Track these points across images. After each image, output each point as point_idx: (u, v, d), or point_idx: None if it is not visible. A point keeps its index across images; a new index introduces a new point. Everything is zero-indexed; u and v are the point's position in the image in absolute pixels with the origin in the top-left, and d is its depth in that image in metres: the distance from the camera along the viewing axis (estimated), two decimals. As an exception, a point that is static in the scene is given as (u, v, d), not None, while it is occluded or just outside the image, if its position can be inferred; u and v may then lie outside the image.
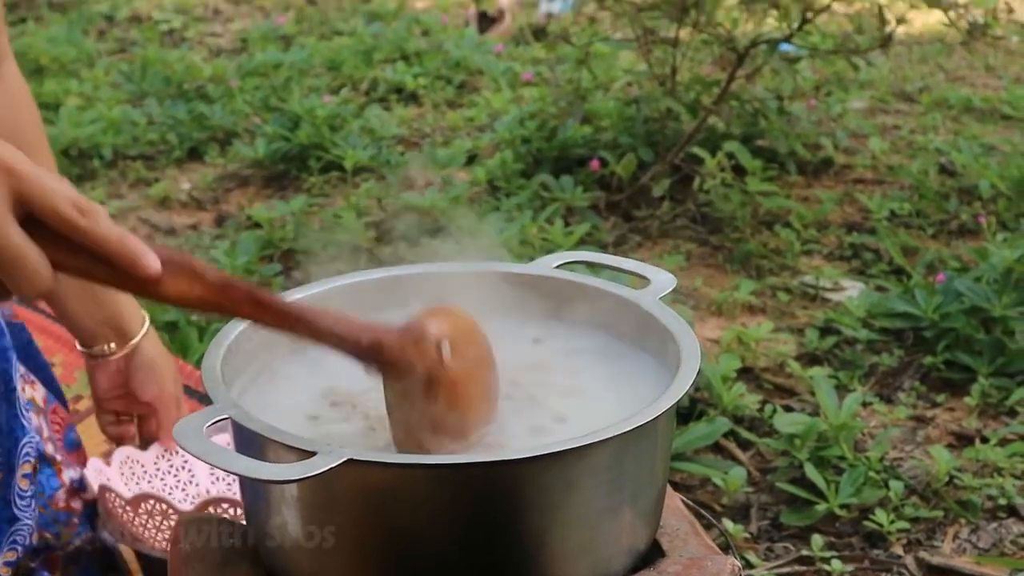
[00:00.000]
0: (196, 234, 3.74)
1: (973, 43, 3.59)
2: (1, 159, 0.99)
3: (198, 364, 2.69)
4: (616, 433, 1.15)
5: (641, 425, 1.16)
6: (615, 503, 1.20)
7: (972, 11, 3.36)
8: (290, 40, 6.09)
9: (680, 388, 1.23)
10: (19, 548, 1.53)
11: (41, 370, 1.76)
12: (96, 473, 1.74)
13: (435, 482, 1.13)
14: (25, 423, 1.55)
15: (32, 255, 1.00)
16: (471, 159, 4.18)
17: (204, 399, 2.61)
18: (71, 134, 4.43)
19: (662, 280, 1.47)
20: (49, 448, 1.64)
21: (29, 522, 1.55)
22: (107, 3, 7.17)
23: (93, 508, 1.71)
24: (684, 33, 3.72)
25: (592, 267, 1.58)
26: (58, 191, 1.01)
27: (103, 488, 1.70)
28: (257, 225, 3.69)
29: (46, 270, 1.01)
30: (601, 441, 1.14)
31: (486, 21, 6.36)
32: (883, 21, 3.40)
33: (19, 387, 1.55)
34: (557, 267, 1.52)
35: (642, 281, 1.48)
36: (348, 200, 3.76)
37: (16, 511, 1.53)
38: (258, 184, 4.20)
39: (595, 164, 3.77)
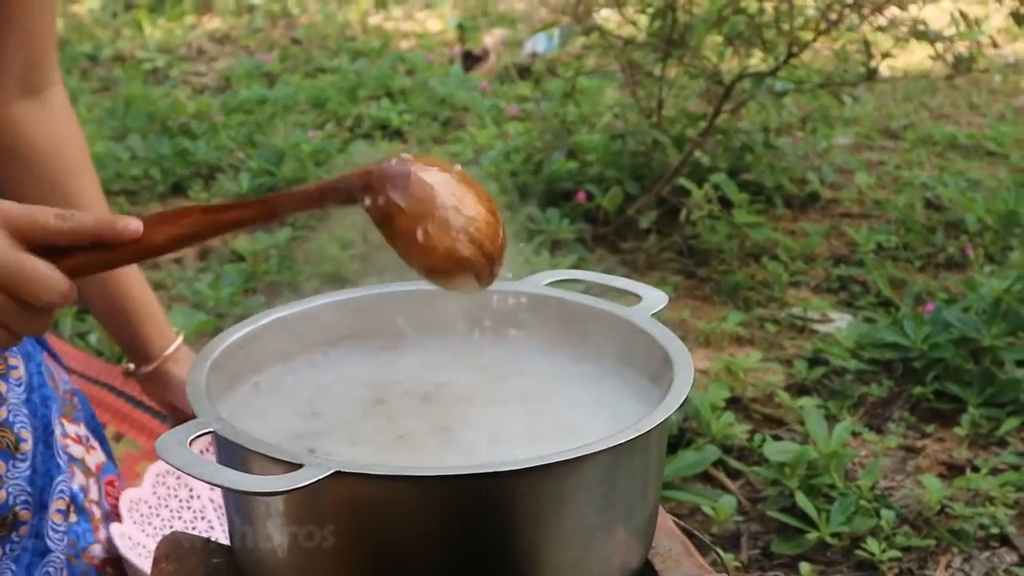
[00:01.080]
0: (180, 268, 3.71)
1: (958, 77, 3.60)
2: None
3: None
4: (610, 446, 1.12)
5: (635, 438, 1.14)
6: (608, 519, 1.17)
7: (957, 45, 3.36)
8: (274, 78, 6.08)
9: (674, 401, 1.20)
10: None
11: (103, 441, 1.80)
12: (120, 538, 1.73)
13: (425, 494, 1.10)
14: (61, 463, 1.57)
15: (39, 265, 1.08)
16: (456, 194, 4.16)
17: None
18: (54, 168, 4.39)
19: (653, 297, 1.46)
20: (92, 507, 1.65)
21: (60, 556, 1.56)
22: (90, 43, 7.16)
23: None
24: (670, 67, 3.72)
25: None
26: (41, 210, 1.10)
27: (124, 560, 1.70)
28: (241, 259, 3.66)
29: (57, 275, 1.08)
30: (594, 453, 1.12)
31: (471, 60, 6.37)
32: (869, 55, 3.39)
33: (58, 432, 1.57)
34: (547, 285, 1.50)
35: (633, 299, 1.46)
36: (332, 232, 3.74)
37: (49, 543, 1.54)
38: (241, 219, 4.16)
39: (581, 197, 3.75)
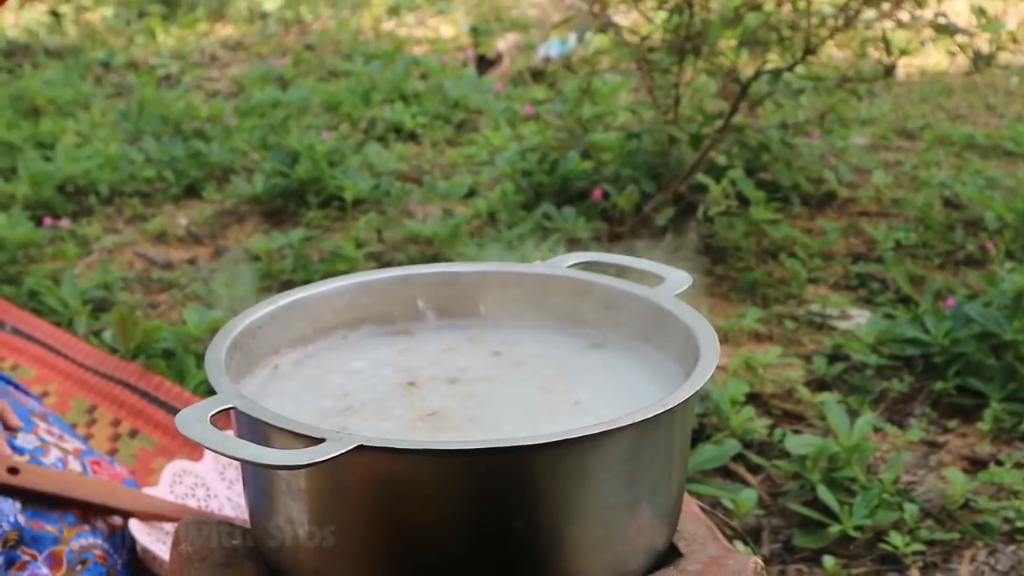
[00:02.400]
0: (193, 268, 3.70)
1: (977, 75, 3.57)
2: None
3: (195, 391, 2.67)
4: (635, 421, 1.11)
5: (661, 413, 1.12)
6: (633, 497, 1.15)
7: (977, 40, 3.33)
8: (287, 82, 6.08)
9: (700, 378, 1.19)
10: None
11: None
12: (139, 532, 1.72)
13: (449, 469, 1.08)
14: None
15: None
16: (470, 193, 4.16)
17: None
18: (67, 170, 4.39)
19: (677, 278, 1.45)
20: None
21: None
22: (103, 50, 7.17)
23: None
24: (687, 65, 3.71)
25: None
26: None
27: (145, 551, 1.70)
28: (256, 258, 3.65)
29: None
30: (620, 428, 1.10)
31: (484, 64, 6.35)
32: (888, 51, 3.37)
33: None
34: (569, 267, 1.49)
35: (656, 281, 1.45)
36: (348, 232, 3.73)
37: None
38: (256, 219, 4.16)
39: (597, 194, 3.74)
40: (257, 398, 1.21)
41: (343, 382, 1.30)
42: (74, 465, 1.71)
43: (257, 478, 1.19)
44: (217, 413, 1.11)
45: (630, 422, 1.11)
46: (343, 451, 1.03)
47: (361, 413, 1.25)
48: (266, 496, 1.17)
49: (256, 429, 1.11)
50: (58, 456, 1.69)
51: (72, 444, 1.74)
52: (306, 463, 1.03)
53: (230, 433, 1.19)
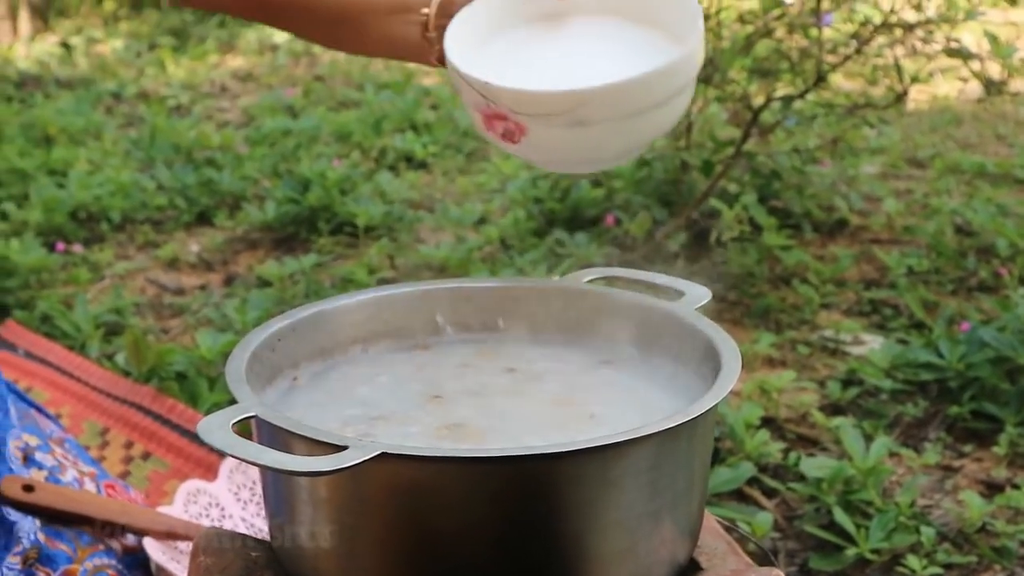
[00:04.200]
0: (205, 294, 3.70)
1: (987, 103, 3.57)
2: None
3: (208, 413, 2.67)
4: (658, 429, 1.10)
5: (683, 423, 1.12)
6: (655, 508, 1.15)
7: (989, 66, 3.33)
8: (298, 112, 6.10)
9: (723, 389, 1.19)
10: None
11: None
12: (154, 551, 1.72)
13: (473, 477, 1.08)
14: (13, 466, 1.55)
15: None
16: (482, 220, 4.16)
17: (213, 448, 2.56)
18: (79, 197, 4.41)
19: (696, 292, 1.44)
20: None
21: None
22: (114, 81, 7.20)
23: None
24: (699, 92, 3.71)
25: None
26: None
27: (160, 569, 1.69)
28: (267, 284, 3.65)
29: None
30: (643, 437, 1.10)
31: (495, 94, 6.36)
32: (900, 78, 3.37)
33: (11, 444, 1.56)
34: (588, 282, 1.49)
35: (676, 295, 1.44)
36: (359, 258, 3.73)
37: None
38: (267, 246, 4.16)
39: (609, 220, 3.74)
40: (277, 408, 1.21)
41: (367, 394, 1.30)
42: (89, 486, 1.71)
43: (277, 487, 1.18)
44: (239, 421, 1.11)
45: (654, 431, 1.10)
46: (366, 458, 1.03)
47: (383, 423, 1.25)
48: (287, 505, 1.17)
49: (277, 437, 1.11)
50: (74, 476, 1.69)
51: (88, 468, 1.73)
52: (329, 470, 1.02)
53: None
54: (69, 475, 1.69)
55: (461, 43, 1.35)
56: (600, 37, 1.40)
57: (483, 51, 1.38)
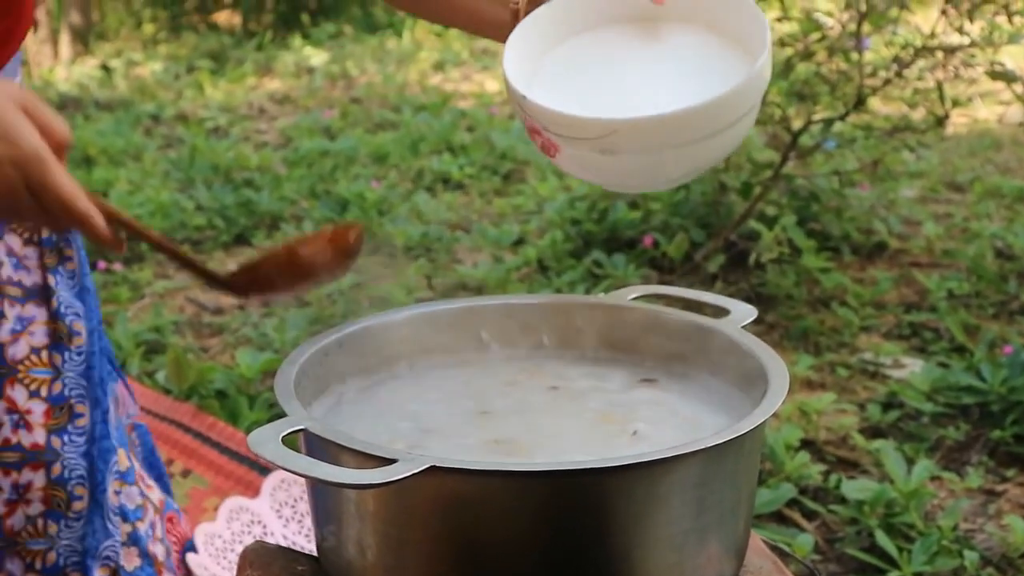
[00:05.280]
0: (244, 313, 3.71)
1: (1027, 128, 3.55)
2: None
3: (248, 432, 2.67)
4: (706, 446, 1.10)
5: (731, 440, 1.11)
6: (702, 525, 1.14)
7: (1029, 91, 3.32)
8: (335, 134, 6.13)
9: (771, 405, 1.18)
10: None
11: (159, 477, 1.74)
12: (196, 567, 1.72)
13: (521, 491, 1.08)
14: (110, 527, 1.53)
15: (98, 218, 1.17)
16: (519, 241, 4.17)
17: (254, 465, 2.57)
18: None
19: (742, 310, 1.44)
20: (156, 549, 1.61)
21: None
22: (153, 103, 7.25)
23: None
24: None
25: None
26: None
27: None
28: (306, 304, 3.67)
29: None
30: (692, 453, 1.09)
31: (531, 117, 6.37)
32: (941, 100, 3.36)
33: (110, 491, 1.53)
34: (633, 299, 1.48)
35: (722, 313, 1.44)
36: (398, 279, 3.74)
37: None
38: (307, 267, 4.17)
39: (648, 241, 3.74)
40: (326, 422, 1.21)
41: (416, 409, 1.30)
42: (158, 531, 1.65)
43: (325, 500, 1.19)
44: (288, 434, 1.11)
45: (701, 447, 1.10)
46: (416, 471, 1.03)
47: (432, 438, 1.25)
48: (334, 518, 1.17)
49: (327, 450, 1.11)
50: (150, 521, 1.63)
51: (157, 495, 1.69)
52: (380, 482, 1.02)
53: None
54: (147, 520, 1.63)
55: (525, 45, 1.32)
56: (675, 54, 1.35)
57: (550, 55, 1.36)
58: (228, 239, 4.48)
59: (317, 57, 8.57)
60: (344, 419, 1.30)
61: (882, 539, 2.25)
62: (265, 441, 1.08)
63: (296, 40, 9.32)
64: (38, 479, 1.45)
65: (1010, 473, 2.64)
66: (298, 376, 1.26)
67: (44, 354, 1.45)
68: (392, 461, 1.04)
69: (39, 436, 1.45)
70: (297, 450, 1.12)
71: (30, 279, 1.46)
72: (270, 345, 3.26)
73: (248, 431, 2.65)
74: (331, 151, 5.48)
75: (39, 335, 1.45)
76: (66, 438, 1.47)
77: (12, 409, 1.43)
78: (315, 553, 1.26)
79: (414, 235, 4.14)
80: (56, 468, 1.46)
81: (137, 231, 1.24)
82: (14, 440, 1.44)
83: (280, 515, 2.13)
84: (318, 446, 1.13)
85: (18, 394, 1.43)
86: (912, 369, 3.10)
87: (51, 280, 1.46)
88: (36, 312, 1.45)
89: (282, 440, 1.09)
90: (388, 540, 1.12)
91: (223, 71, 8.33)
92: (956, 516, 2.38)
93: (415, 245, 4.14)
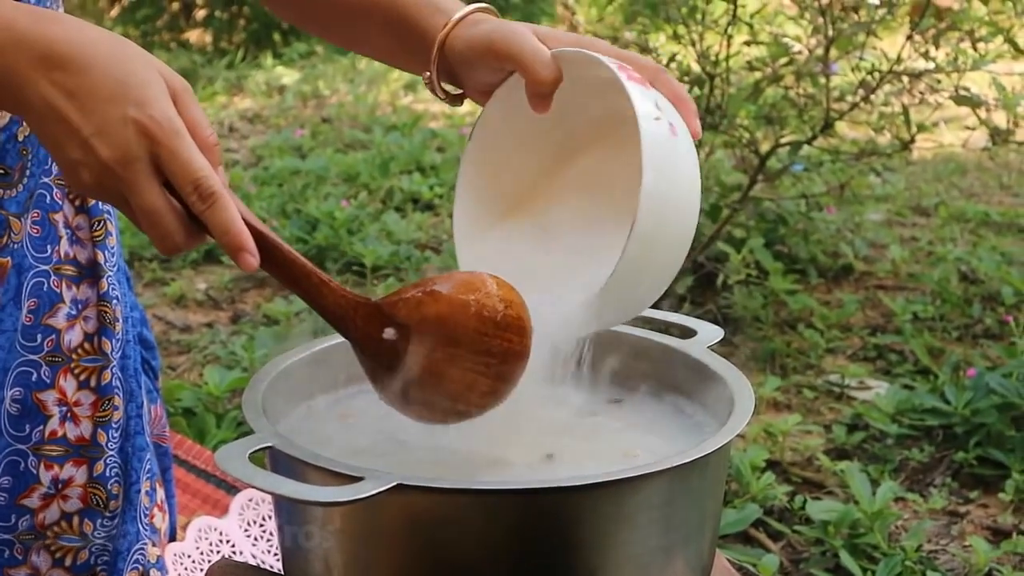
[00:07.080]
0: (212, 331, 3.71)
1: (994, 150, 3.59)
2: (141, 122, 0.99)
3: (216, 450, 2.66)
4: (673, 464, 1.11)
5: (697, 459, 1.12)
6: (668, 543, 1.15)
7: (994, 115, 3.35)
8: (306, 153, 6.13)
9: (737, 425, 1.19)
10: None
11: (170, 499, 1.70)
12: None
13: (489, 509, 1.08)
14: (141, 527, 1.48)
15: (168, 218, 1.01)
16: (489, 263, 4.17)
17: (221, 483, 2.56)
18: (88, 234, 4.42)
19: (709, 331, 1.44)
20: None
21: None
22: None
23: None
24: (706, 137, 3.73)
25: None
26: (185, 169, 1.00)
27: None
28: (274, 322, 3.66)
29: (179, 235, 1.03)
30: (658, 472, 1.10)
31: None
32: (908, 125, 3.39)
33: (143, 492, 1.47)
34: (599, 320, 1.49)
35: (688, 333, 1.45)
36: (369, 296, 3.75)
37: None
38: (275, 285, 4.17)
39: (616, 264, 3.75)
40: (293, 440, 1.21)
41: (380, 426, 1.30)
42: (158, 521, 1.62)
43: (292, 518, 1.19)
44: (256, 451, 1.11)
45: (668, 466, 1.11)
46: (382, 489, 1.03)
47: (395, 455, 1.25)
48: (301, 537, 1.17)
49: (294, 468, 1.11)
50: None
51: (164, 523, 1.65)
52: (347, 500, 1.02)
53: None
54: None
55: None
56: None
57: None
58: (197, 256, 4.47)
59: (288, 76, 8.57)
60: (312, 436, 1.30)
61: (847, 560, 2.27)
62: (232, 458, 1.08)
63: (268, 59, 9.32)
64: (79, 475, 1.38)
65: (973, 495, 2.66)
66: (266, 393, 1.26)
67: (96, 340, 1.36)
68: (359, 479, 1.05)
69: (85, 429, 1.37)
70: (265, 468, 1.12)
71: (84, 254, 1.35)
72: (238, 363, 3.25)
73: (216, 449, 2.64)
74: (302, 170, 5.48)
75: (92, 320, 1.36)
76: (110, 432, 1.39)
77: (62, 400, 1.35)
78: (283, 572, 1.26)
79: (383, 254, 4.14)
80: (99, 466, 1.38)
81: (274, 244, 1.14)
82: (60, 433, 1.35)
83: (248, 534, 2.12)
84: (285, 463, 1.13)
85: (68, 384, 1.35)
86: (877, 391, 3.13)
87: (99, 256, 1.36)
88: (89, 294, 1.36)
89: (249, 457, 1.09)
90: (355, 558, 1.12)
91: (194, 89, 8.27)
92: (920, 537, 2.40)
93: (384, 264, 4.15)
